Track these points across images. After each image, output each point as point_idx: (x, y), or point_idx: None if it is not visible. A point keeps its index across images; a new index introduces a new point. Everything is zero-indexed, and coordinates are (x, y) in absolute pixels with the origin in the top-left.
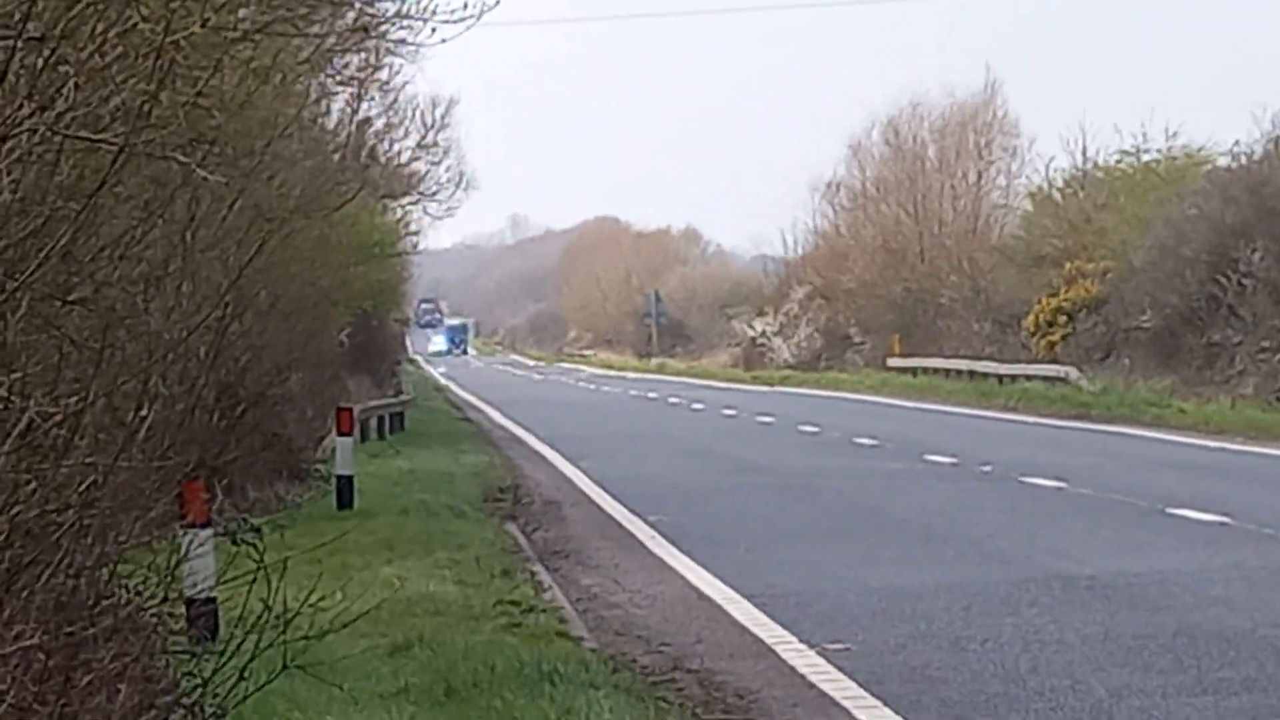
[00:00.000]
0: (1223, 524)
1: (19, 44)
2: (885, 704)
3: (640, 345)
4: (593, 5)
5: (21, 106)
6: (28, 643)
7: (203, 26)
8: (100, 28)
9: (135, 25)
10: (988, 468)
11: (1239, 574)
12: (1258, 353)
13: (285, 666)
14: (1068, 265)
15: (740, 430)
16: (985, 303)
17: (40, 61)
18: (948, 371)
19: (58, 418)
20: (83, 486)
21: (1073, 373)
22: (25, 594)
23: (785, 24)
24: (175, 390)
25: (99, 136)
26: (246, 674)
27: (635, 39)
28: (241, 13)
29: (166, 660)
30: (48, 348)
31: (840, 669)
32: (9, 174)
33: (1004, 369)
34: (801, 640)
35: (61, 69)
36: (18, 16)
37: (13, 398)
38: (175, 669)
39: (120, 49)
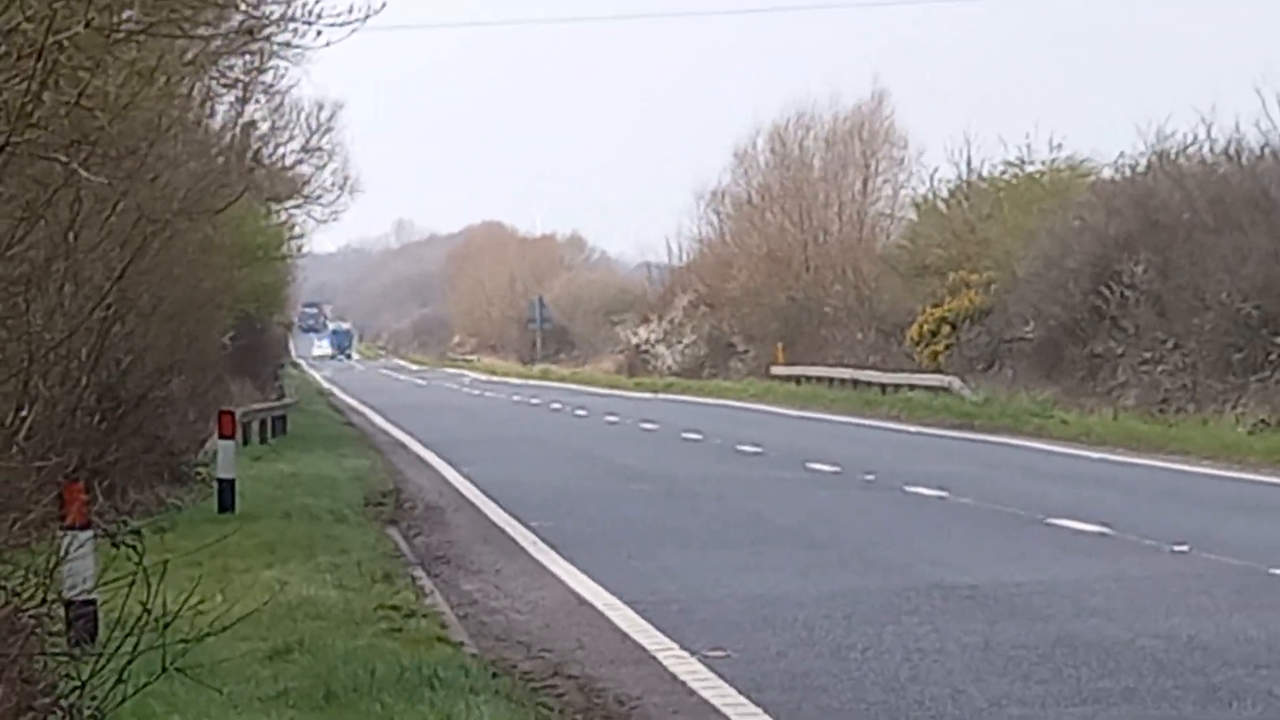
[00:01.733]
0: (1103, 534)
1: None
2: (765, 711)
3: (524, 351)
4: (482, 10)
5: None
6: None
7: (86, 27)
8: None
9: (18, 25)
10: (870, 476)
11: (1119, 584)
12: (1140, 364)
13: (164, 669)
14: (951, 275)
15: (623, 437)
16: (869, 312)
17: None
18: (831, 380)
19: None
20: None
21: (956, 383)
22: None
23: (674, 33)
24: (56, 391)
25: None
26: (125, 676)
27: (523, 45)
28: (125, 14)
29: (45, 662)
30: None
31: (721, 676)
32: None
33: (887, 378)
34: (683, 647)
35: None
36: None
37: None
38: (54, 670)
39: (3, 48)
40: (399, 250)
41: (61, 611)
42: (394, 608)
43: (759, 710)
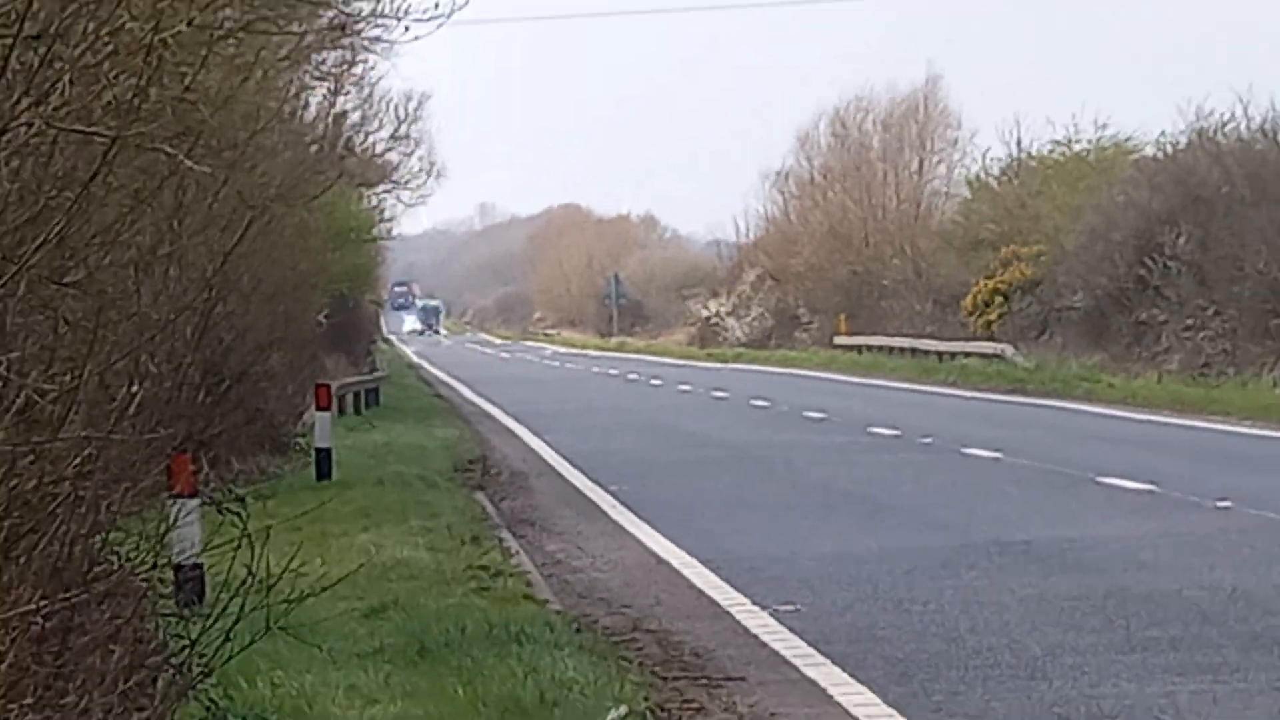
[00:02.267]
0: (1150, 492)
1: (16, 42)
2: (833, 662)
3: (602, 325)
4: (560, 4)
5: (19, 101)
6: (25, 607)
7: (189, 25)
8: (92, 26)
9: (125, 25)
10: (929, 440)
11: (1165, 539)
12: (1182, 331)
13: (268, 628)
14: (1003, 249)
15: (696, 405)
16: (926, 284)
17: (36, 59)
18: (891, 349)
19: (53, 394)
20: (77, 459)
21: (1009, 349)
22: (23, 561)
23: (742, 21)
24: (164, 369)
25: (91, 129)
26: (231, 635)
27: (598, 35)
28: (225, 12)
29: (156, 623)
30: (44, 328)
31: (790, 629)
32: (7, 164)
33: (944, 347)
34: (754, 602)
35: (56, 65)
36: (15, 16)
37: (11, 375)
38: (164, 631)
39: (111, 47)
40: (482, 232)
41: (170, 575)
42: (482, 568)
43: (826, 661)
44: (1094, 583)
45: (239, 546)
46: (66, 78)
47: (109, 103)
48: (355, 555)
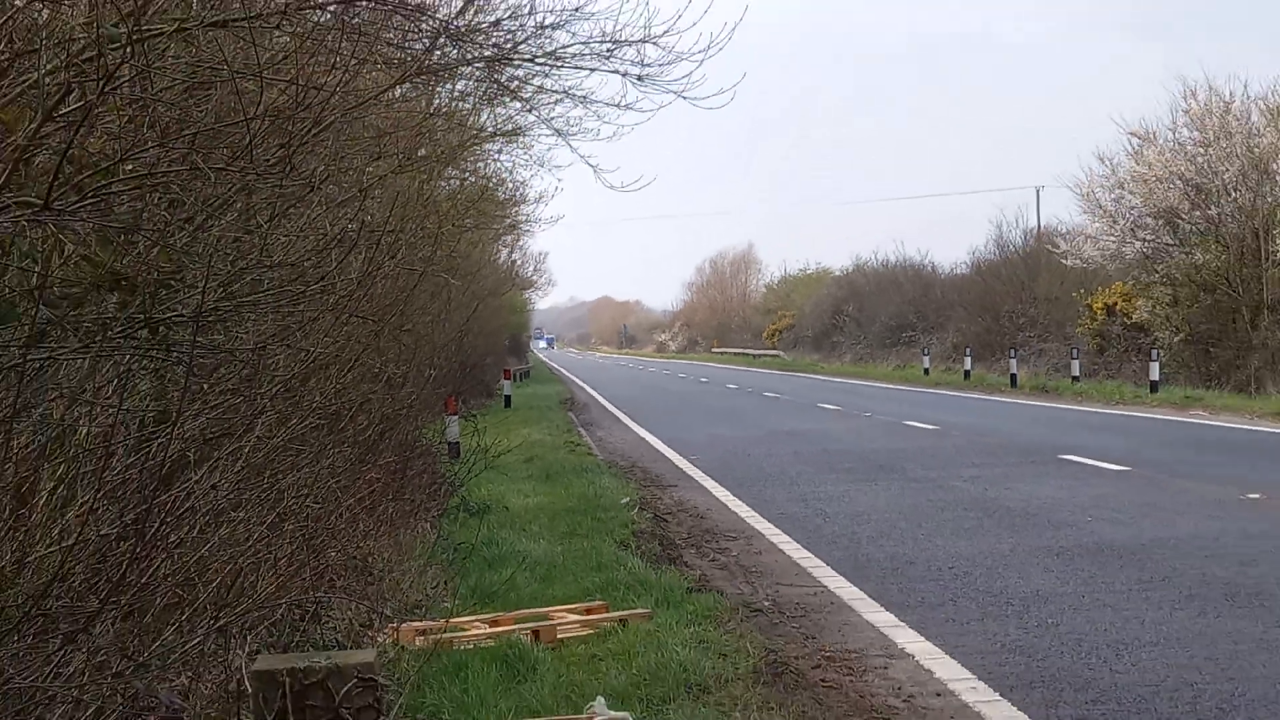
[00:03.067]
0: (839, 410)
1: (382, 236)
2: (712, 478)
3: (618, 344)
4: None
5: (385, 261)
6: (390, 459)
7: (454, 227)
8: (416, 229)
9: (428, 229)
10: (747, 390)
11: (850, 431)
12: (854, 344)
13: (485, 467)
14: (778, 313)
15: (655, 374)
16: (748, 327)
17: (389, 243)
18: (736, 354)
19: (400, 375)
20: (410, 400)
21: (783, 354)
22: (390, 442)
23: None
24: (444, 364)
25: (413, 269)
26: (470, 471)
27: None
28: (467, 220)
29: (440, 467)
30: (396, 348)
31: (696, 466)
32: (382, 286)
33: (756, 352)
34: (680, 455)
35: (400, 244)
36: (383, 228)
37: (385, 366)
38: (444, 470)
39: (420, 237)
40: (569, 306)
41: (446, 447)
42: (571, 442)
43: (709, 478)
44: (816, 445)
45: (473, 433)
46: (403, 248)
47: (421, 256)
48: (519, 436)
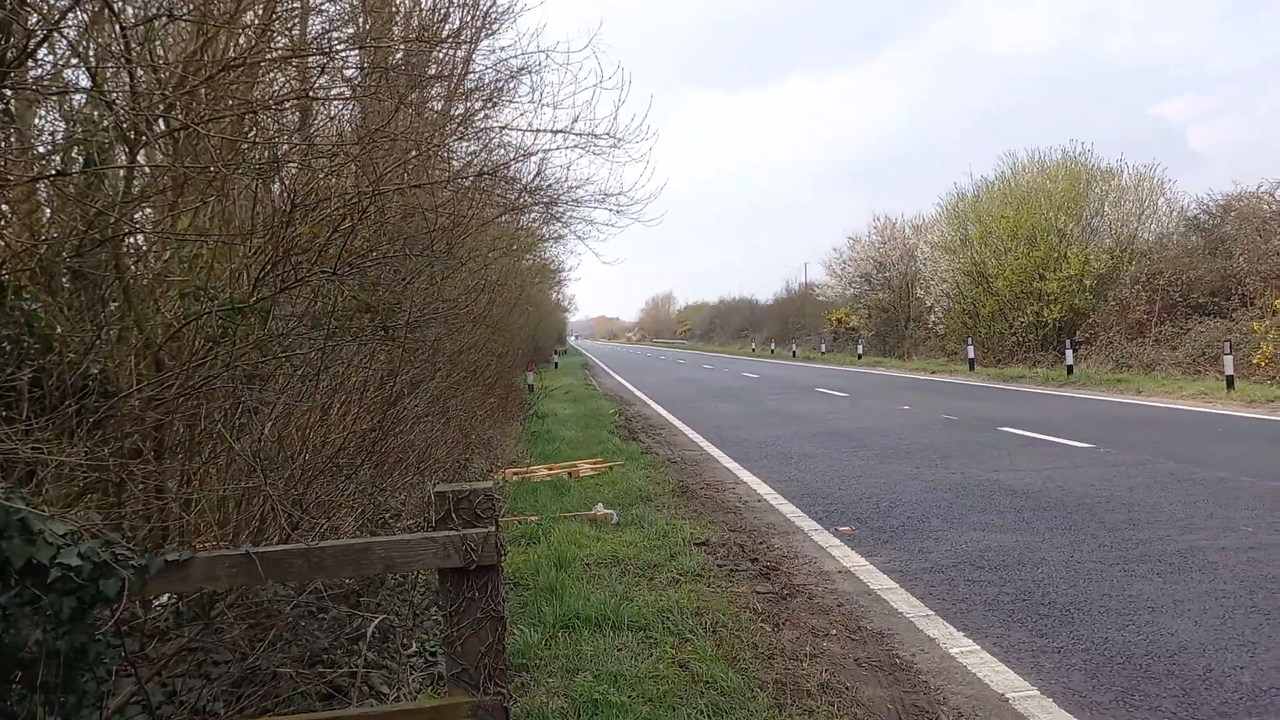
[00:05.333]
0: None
1: (486, 287)
2: (725, 453)
3: (606, 337)
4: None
5: (492, 303)
6: (500, 392)
7: (530, 283)
8: (513, 282)
9: (511, 285)
10: (694, 364)
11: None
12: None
13: (544, 396)
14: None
15: (639, 355)
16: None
17: (490, 293)
18: (668, 344)
19: (504, 352)
20: (509, 364)
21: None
22: (500, 384)
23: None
24: (520, 347)
25: (511, 303)
26: (536, 399)
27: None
28: (536, 280)
29: (525, 398)
30: (503, 340)
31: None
32: (495, 313)
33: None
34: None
35: (498, 293)
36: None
37: (497, 348)
38: (526, 400)
39: (514, 288)
40: (583, 321)
41: (529, 386)
42: (586, 384)
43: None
44: (702, 387)
45: (535, 378)
46: (506, 292)
47: (514, 297)
48: (562, 382)
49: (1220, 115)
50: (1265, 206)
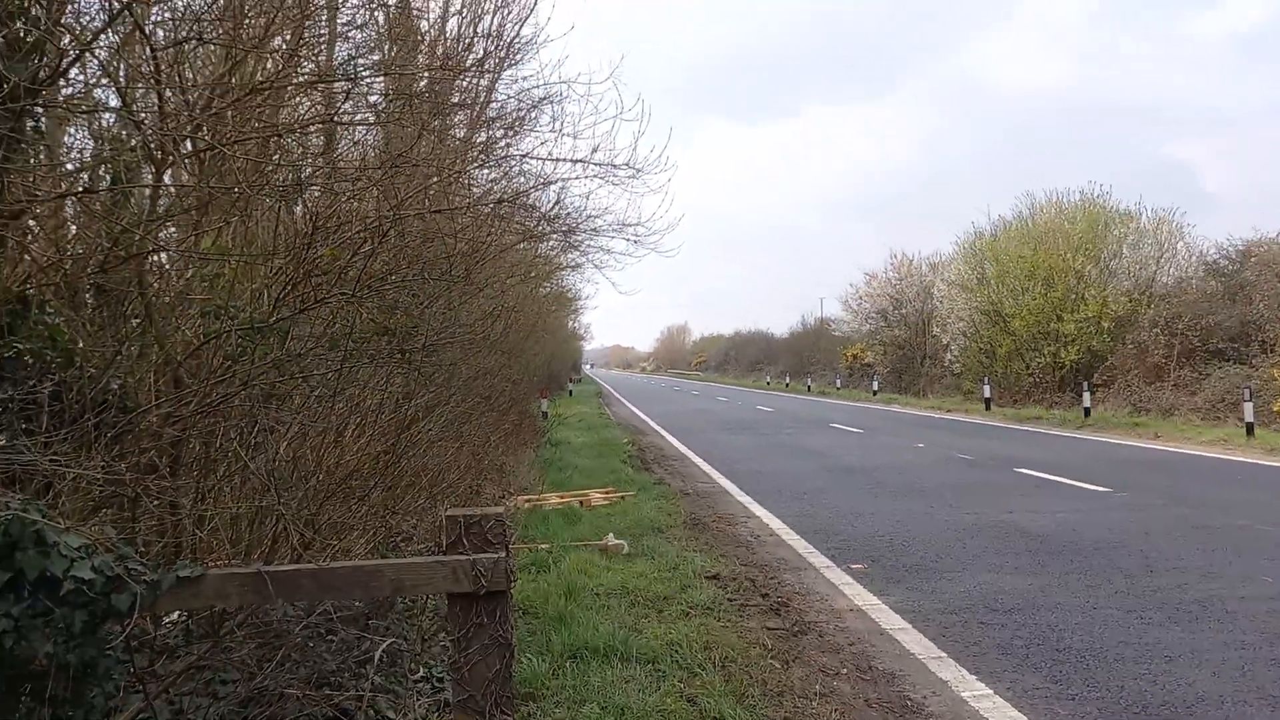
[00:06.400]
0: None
1: (508, 317)
2: (737, 486)
3: (622, 366)
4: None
5: (512, 327)
6: (514, 418)
7: (547, 310)
8: (532, 308)
9: (535, 312)
10: (705, 395)
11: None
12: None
13: (558, 424)
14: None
15: (658, 385)
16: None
17: (505, 323)
18: (683, 375)
19: (520, 378)
20: (524, 390)
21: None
22: (514, 410)
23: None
24: (534, 375)
25: (528, 330)
26: (551, 425)
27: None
28: (553, 308)
29: (539, 422)
30: (518, 366)
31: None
32: (511, 339)
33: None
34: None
35: (517, 323)
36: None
37: (513, 374)
38: (540, 424)
39: (532, 315)
40: (599, 349)
41: (542, 412)
42: (600, 413)
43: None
44: (714, 417)
45: (550, 405)
46: (523, 319)
47: (531, 324)
48: (576, 410)
49: (1234, 156)
50: None
